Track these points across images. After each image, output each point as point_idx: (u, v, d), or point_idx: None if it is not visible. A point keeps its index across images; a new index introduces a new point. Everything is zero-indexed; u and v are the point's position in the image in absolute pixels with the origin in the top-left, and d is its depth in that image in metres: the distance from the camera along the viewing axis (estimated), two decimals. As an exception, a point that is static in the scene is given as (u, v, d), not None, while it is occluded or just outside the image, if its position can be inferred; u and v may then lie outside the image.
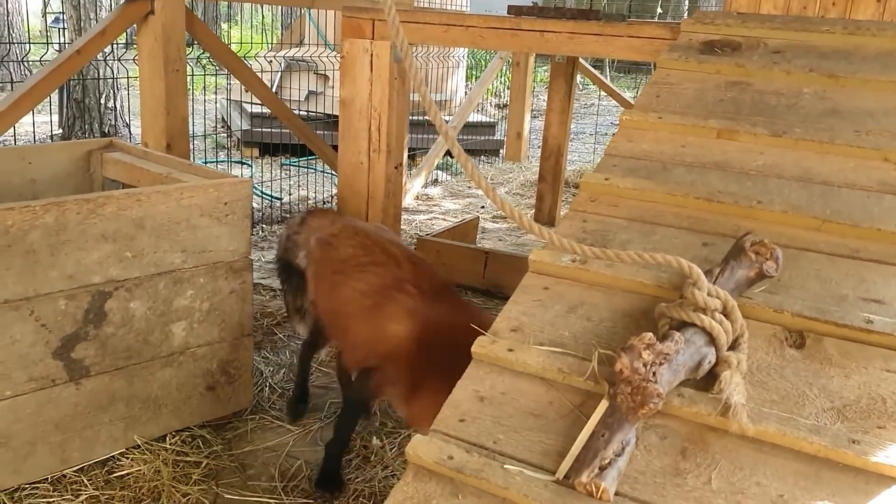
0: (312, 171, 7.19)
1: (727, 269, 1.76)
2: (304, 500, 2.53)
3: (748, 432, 1.50)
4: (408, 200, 6.57)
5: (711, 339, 1.63)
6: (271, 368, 3.39)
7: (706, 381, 1.62)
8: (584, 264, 1.94)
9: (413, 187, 6.72)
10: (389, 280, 2.54)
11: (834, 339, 1.68)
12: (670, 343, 1.56)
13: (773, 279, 1.80)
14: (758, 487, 1.44)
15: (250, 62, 6.08)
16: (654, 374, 1.50)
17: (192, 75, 5.07)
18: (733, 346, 1.67)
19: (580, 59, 7.13)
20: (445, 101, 8.90)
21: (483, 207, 6.58)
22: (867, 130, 2.22)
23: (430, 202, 6.71)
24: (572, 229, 2.11)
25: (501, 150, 8.66)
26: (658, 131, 2.38)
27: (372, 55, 3.59)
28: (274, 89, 7.86)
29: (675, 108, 2.44)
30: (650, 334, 1.54)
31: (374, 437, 2.89)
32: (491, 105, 11.80)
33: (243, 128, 7.82)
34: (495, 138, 8.83)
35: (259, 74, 5.34)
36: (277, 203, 6.22)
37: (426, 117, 8.24)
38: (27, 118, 5.01)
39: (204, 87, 10.08)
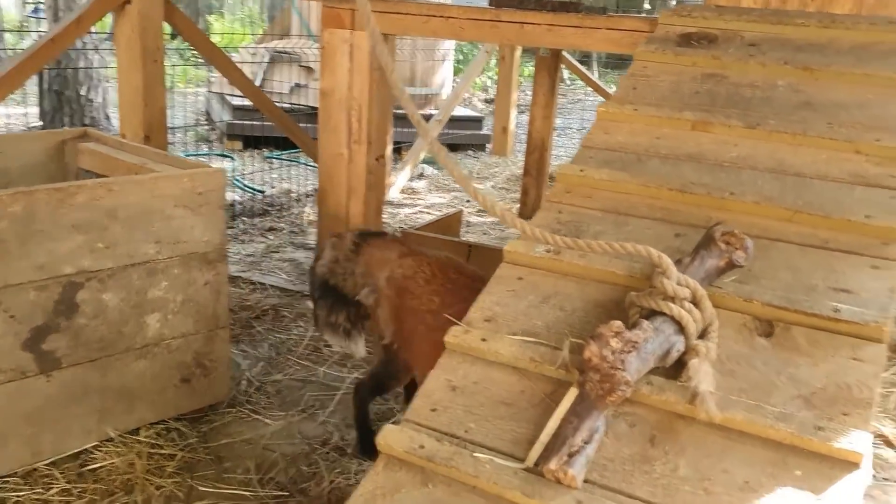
0: (296, 164, 7.15)
1: (697, 259, 1.76)
2: (279, 493, 2.52)
3: (716, 420, 1.50)
4: (393, 194, 6.55)
5: (681, 328, 1.63)
6: (249, 361, 3.37)
7: (676, 369, 1.62)
8: (557, 255, 1.94)
9: (398, 180, 6.70)
10: None
11: (803, 328, 1.69)
12: (639, 331, 1.56)
13: (743, 269, 1.81)
14: (725, 474, 1.45)
15: (234, 54, 6.05)
16: (622, 361, 1.51)
17: (174, 66, 5.03)
18: (703, 335, 1.67)
19: (565, 54, 7.13)
20: (432, 95, 8.87)
21: (469, 201, 6.57)
22: (840, 123, 2.23)
23: (415, 196, 6.69)
24: (547, 220, 2.11)
25: (488, 145, 8.65)
26: (634, 123, 2.38)
27: (352, 46, 3.57)
28: (259, 82, 7.81)
29: (651, 100, 2.44)
30: (618, 322, 1.55)
31: (353, 430, 2.88)
32: (479, 100, 11.80)
33: (227, 120, 7.78)
34: (482, 133, 8.81)
35: (243, 67, 5.29)
36: (259, 196, 6.19)
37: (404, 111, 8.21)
38: (2, 109, 4.96)
39: (187, 80, 10.02)
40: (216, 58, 4.81)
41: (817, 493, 1.40)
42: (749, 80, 2.46)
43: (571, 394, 1.56)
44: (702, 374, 1.58)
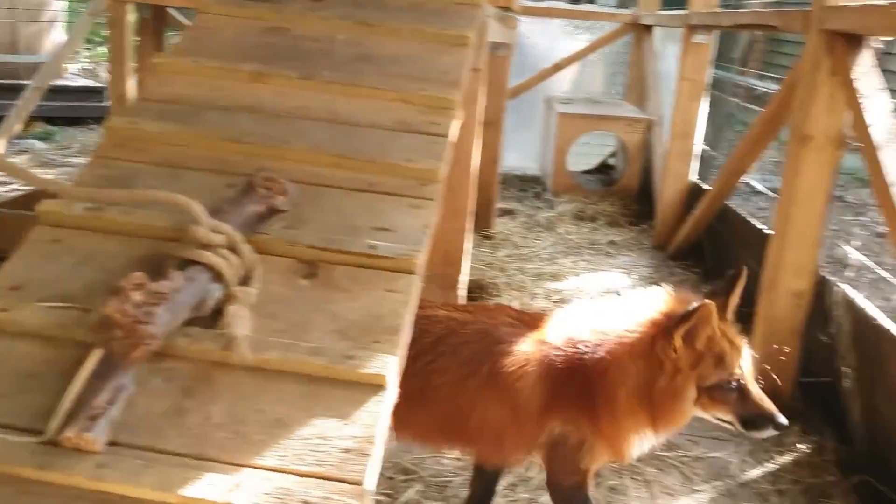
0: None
1: (238, 206, 1.75)
2: None
3: (247, 362, 1.51)
4: (-17, 171, 5.74)
5: (217, 276, 1.60)
6: None
7: (217, 318, 1.59)
8: (99, 212, 1.80)
9: (-10, 156, 5.88)
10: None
11: (344, 266, 1.76)
12: (166, 282, 1.50)
13: (293, 214, 1.84)
14: (258, 414, 1.45)
15: None
16: (146, 314, 1.43)
17: None
18: (245, 282, 1.66)
19: (176, 14, 6.75)
20: (40, 63, 7.92)
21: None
22: (392, 74, 2.37)
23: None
24: (93, 177, 1.95)
25: (113, 116, 8.02)
26: (193, 75, 2.29)
27: None
28: None
29: (212, 52, 2.37)
30: (139, 274, 1.47)
31: None
32: (107, 70, 10.87)
33: None
34: (104, 105, 8.16)
35: None
36: None
37: (8, 81, 7.29)
38: None
39: None
40: None
41: (346, 419, 1.46)
42: (311, 33, 2.51)
43: (95, 356, 1.45)
44: (239, 319, 1.57)
